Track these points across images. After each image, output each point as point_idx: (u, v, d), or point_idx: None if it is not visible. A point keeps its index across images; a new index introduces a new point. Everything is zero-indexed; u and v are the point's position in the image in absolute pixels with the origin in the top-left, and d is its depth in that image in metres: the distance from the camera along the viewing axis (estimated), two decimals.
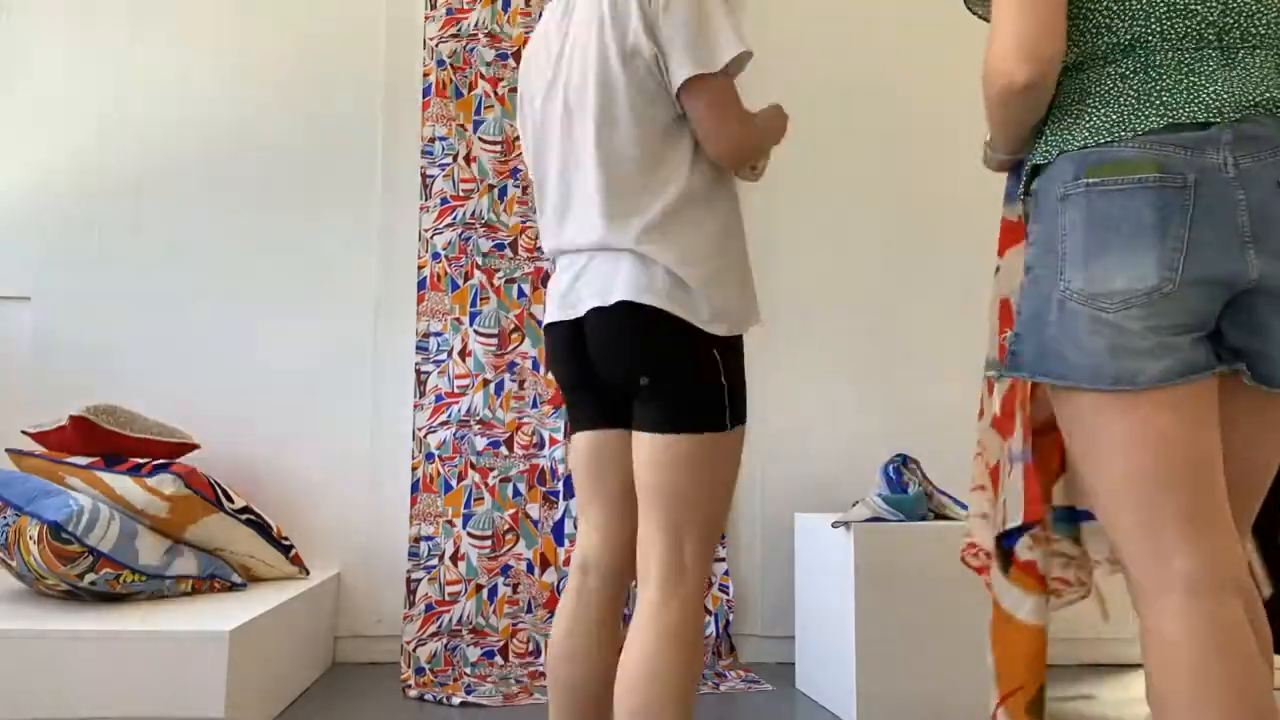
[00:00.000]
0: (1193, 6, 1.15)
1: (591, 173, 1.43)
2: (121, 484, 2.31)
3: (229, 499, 2.46)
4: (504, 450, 2.87)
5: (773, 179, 3.10)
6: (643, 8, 1.39)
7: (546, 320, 1.55)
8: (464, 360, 2.90)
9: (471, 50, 3.01)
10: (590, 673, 1.46)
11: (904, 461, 2.48)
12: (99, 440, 2.46)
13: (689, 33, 1.38)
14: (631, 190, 1.41)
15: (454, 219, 2.94)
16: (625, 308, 1.39)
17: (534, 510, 2.85)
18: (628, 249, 1.40)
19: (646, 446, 1.41)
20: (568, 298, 1.48)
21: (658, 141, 1.42)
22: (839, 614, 2.36)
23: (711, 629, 2.83)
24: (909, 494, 2.41)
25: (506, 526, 2.83)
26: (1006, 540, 1.35)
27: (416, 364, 2.91)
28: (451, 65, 2.99)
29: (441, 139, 2.97)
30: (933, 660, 2.28)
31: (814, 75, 3.13)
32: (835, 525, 2.39)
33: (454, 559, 2.80)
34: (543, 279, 2.95)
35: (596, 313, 1.42)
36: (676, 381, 1.40)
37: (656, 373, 1.40)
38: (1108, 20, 1.18)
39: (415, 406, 2.89)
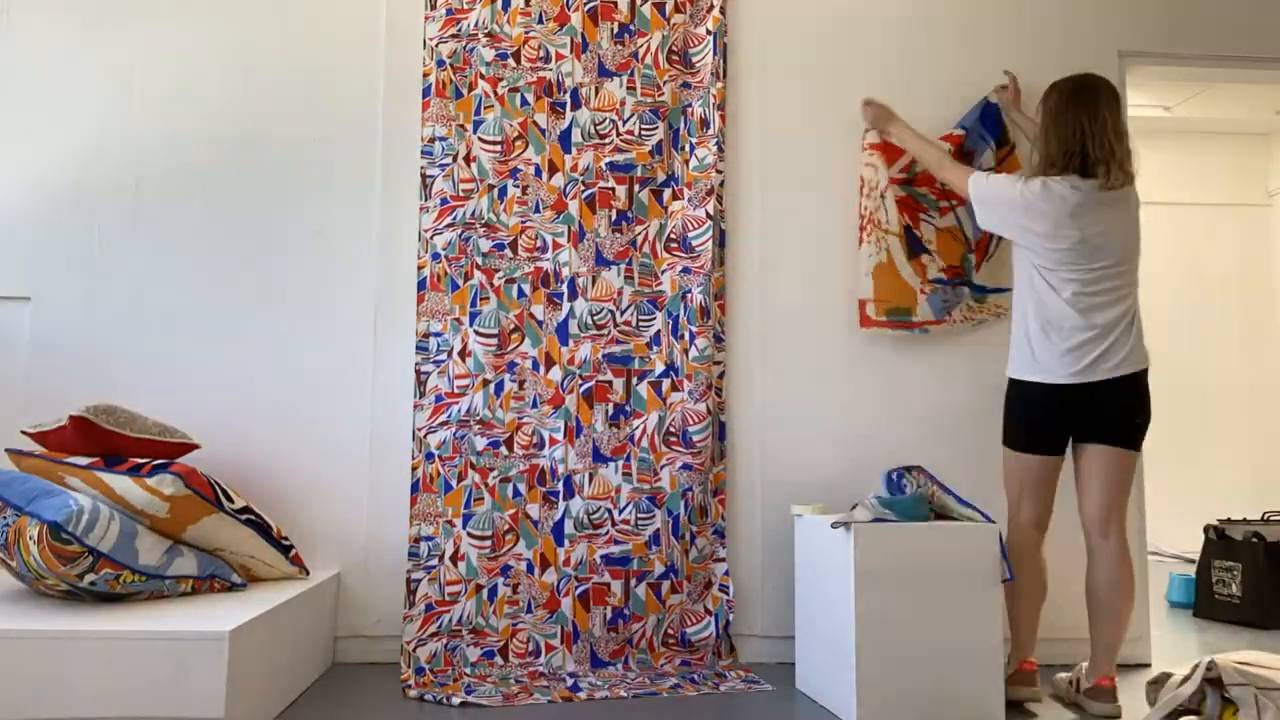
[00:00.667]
0: None
1: None
2: (121, 484, 2.32)
3: (229, 499, 2.46)
4: (504, 450, 2.87)
5: (772, 177, 3.11)
6: None
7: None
8: (464, 360, 2.90)
9: (471, 50, 3.01)
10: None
11: (908, 470, 2.48)
12: (99, 440, 2.46)
13: None
14: None
15: (454, 219, 2.94)
16: None
17: (534, 510, 2.85)
18: None
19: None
20: None
21: None
22: (839, 614, 2.36)
23: (711, 629, 2.83)
24: (906, 495, 2.41)
25: (506, 526, 2.83)
26: None
27: (416, 364, 2.91)
28: (451, 65, 3.00)
29: (441, 139, 2.97)
30: (933, 660, 2.29)
31: (813, 75, 3.13)
32: (835, 526, 2.39)
33: (454, 559, 2.80)
34: (542, 279, 2.95)
35: None
36: None
37: None
38: None
39: (415, 406, 2.89)
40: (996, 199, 2.53)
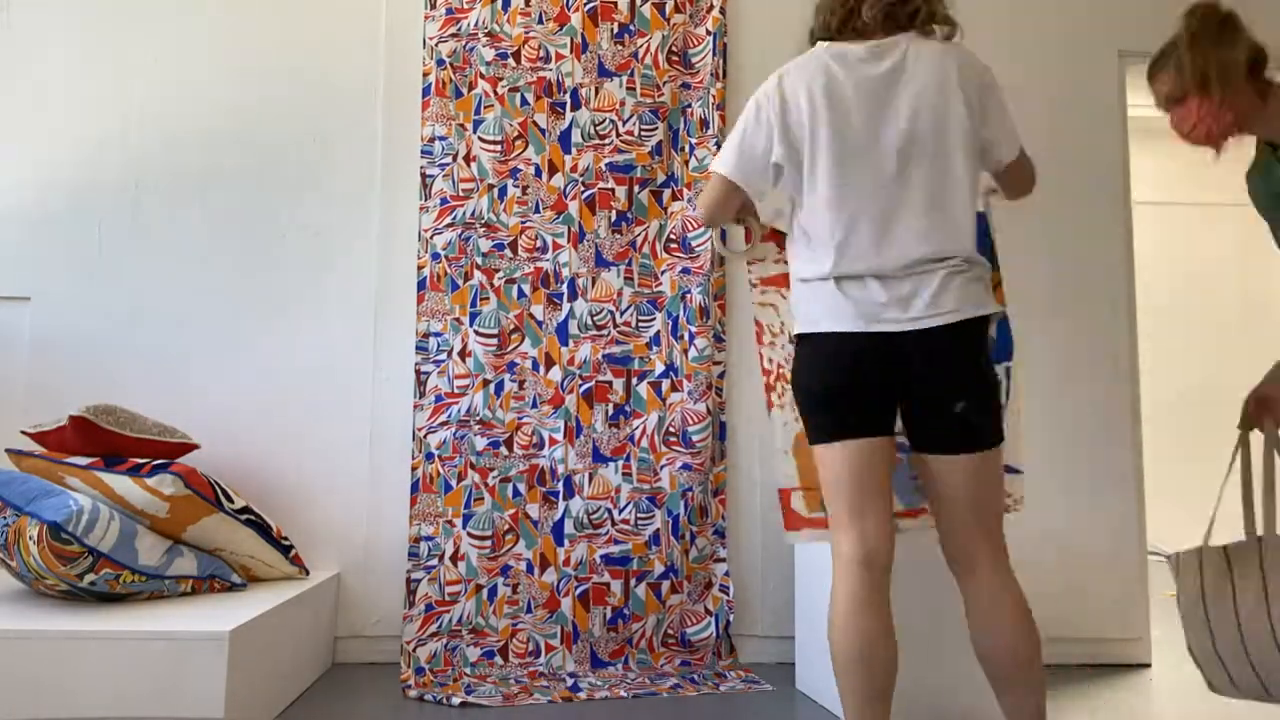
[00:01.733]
0: None
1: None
2: (121, 484, 2.32)
3: (229, 499, 2.46)
4: (504, 450, 2.87)
5: None
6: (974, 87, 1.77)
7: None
8: (464, 360, 2.90)
9: (471, 50, 3.01)
10: (894, 652, 1.70)
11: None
12: (99, 440, 2.46)
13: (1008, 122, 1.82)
14: None
15: (454, 219, 2.94)
16: None
17: (534, 510, 2.85)
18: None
19: None
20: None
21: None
22: None
23: (711, 629, 2.83)
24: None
25: (506, 526, 2.83)
26: None
27: (416, 364, 2.91)
28: (451, 65, 2.99)
29: (441, 139, 2.97)
30: (933, 659, 2.28)
31: None
32: None
33: (454, 559, 2.80)
34: (542, 279, 2.95)
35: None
36: None
37: None
38: None
39: (415, 406, 2.89)
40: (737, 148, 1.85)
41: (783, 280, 2.16)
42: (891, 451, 1.77)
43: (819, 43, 1.85)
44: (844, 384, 1.74)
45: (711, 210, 1.92)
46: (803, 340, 1.80)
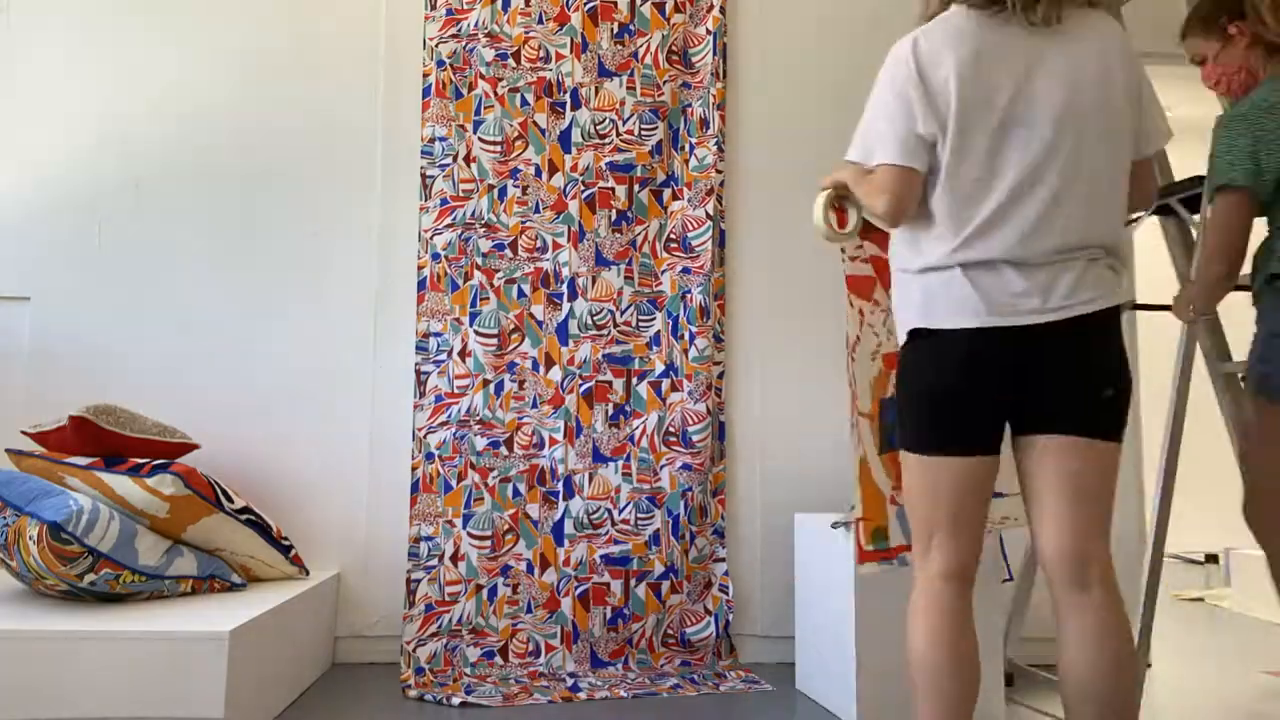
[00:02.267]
0: None
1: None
2: (121, 484, 2.32)
3: (229, 499, 2.46)
4: (504, 450, 2.87)
5: (770, 179, 3.11)
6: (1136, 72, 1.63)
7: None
8: (464, 360, 2.90)
9: (471, 50, 3.01)
10: (979, 667, 1.60)
11: None
12: (99, 440, 2.46)
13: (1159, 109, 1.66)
14: None
15: (454, 219, 2.94)
16: None
17: (534, 510, 2.85)
18: None
19: None
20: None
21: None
22: (839, 614, 2.36)
23: (711, 629, 2.83)
24: None
25: (506, 527, 2.83)
26: None
27: (416, 364, 2.91)
28: (451, 65, 2.99)
29: (441, 139, 2.97)
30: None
31: (813, 75, 3.13)
32: (835, 526, 2.38)
33: (454, 559, 2.80)
34: (542, 279, 2.95)
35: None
36: None
37: None
38: None
39: (415, 406, 2.89)
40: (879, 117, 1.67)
41: (865, 285, 2.06)
42: (995, 469, 1.63)
43: (954, 3, 1.64)
44: (961, 388, 1.58)
45: (900, 204, 1.61)
46: (915, 337, 1.63)
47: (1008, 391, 1.57)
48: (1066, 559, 1.56)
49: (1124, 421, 1.58)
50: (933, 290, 1.60)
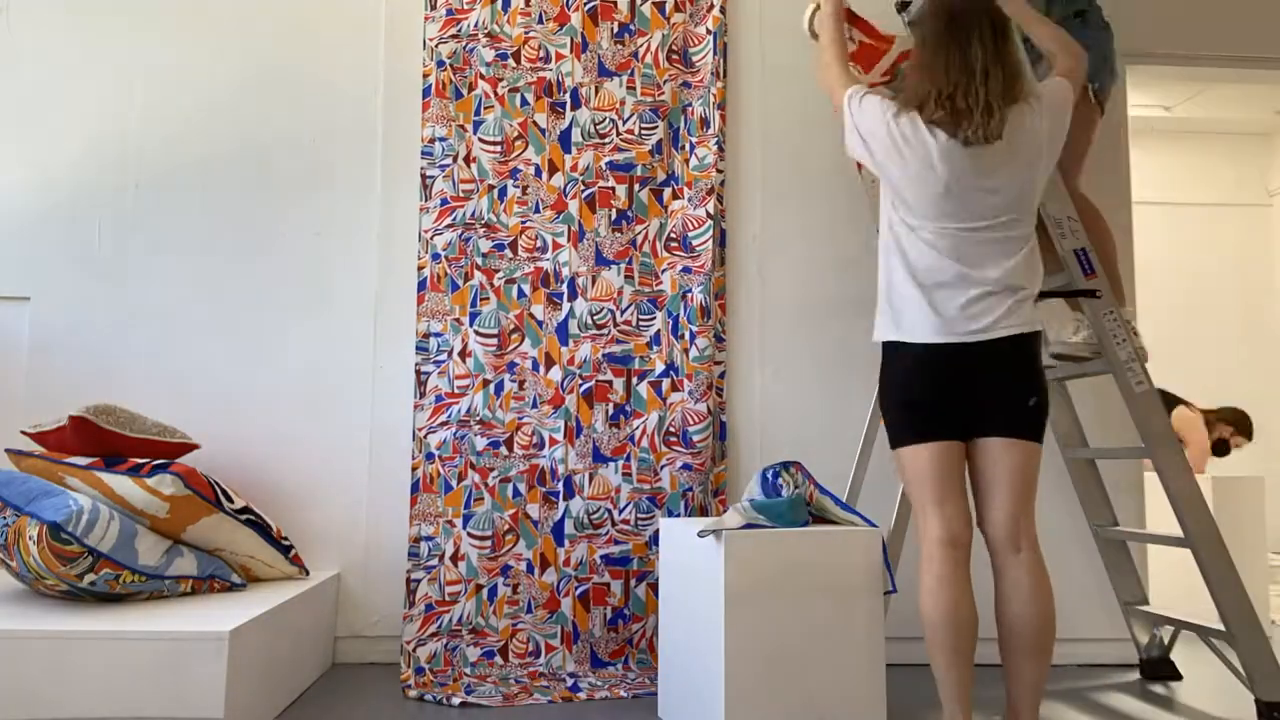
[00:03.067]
0: None
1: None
2: (121, 484, 2.31)
3: (229, 499, 2.46)
4: (504, 450, 2.87)
5: (772, 177, 3.11)
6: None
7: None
8: (464, 360, 2.90)
9: (471, 50, 3.01)
10: (975, 616, 1.97)
11: (785, 467, 2.24)
12: (99, 440, 2.46)
13: None
14: None
15: (454, 219, 2.94)
16: None
17: (534, 510, 2.85)
18: None
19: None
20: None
21: None
22: (707, 632, 2.09)
23: None
24: (783, 498, 2.16)
25: (506, 527, 2.83)
26: None
27: (416, 364, 2.91)
28: (451, 66, 2.99)
29: (441, 139, 2.97)
30: (813, 684, 2.03)
31: (812, 77, 3.13)
32: (702, 534, 2.11)
33: (454, 559, 2.80)
34: (542, 279, 2.95)
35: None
36: None
37: None
38: None
39: (415, 406, 2.89)
40: (866, 126, 2.09)
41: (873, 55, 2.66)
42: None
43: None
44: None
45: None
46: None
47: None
48: (1003, 529, 2.00)
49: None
50: None
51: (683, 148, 3.04)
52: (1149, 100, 5.26)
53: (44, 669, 1.91)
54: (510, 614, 2.78)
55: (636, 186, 3.01)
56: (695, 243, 2.97)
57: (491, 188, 2.97)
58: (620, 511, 2.85)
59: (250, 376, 2.93)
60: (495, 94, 3.00)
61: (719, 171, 3.01)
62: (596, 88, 3.03)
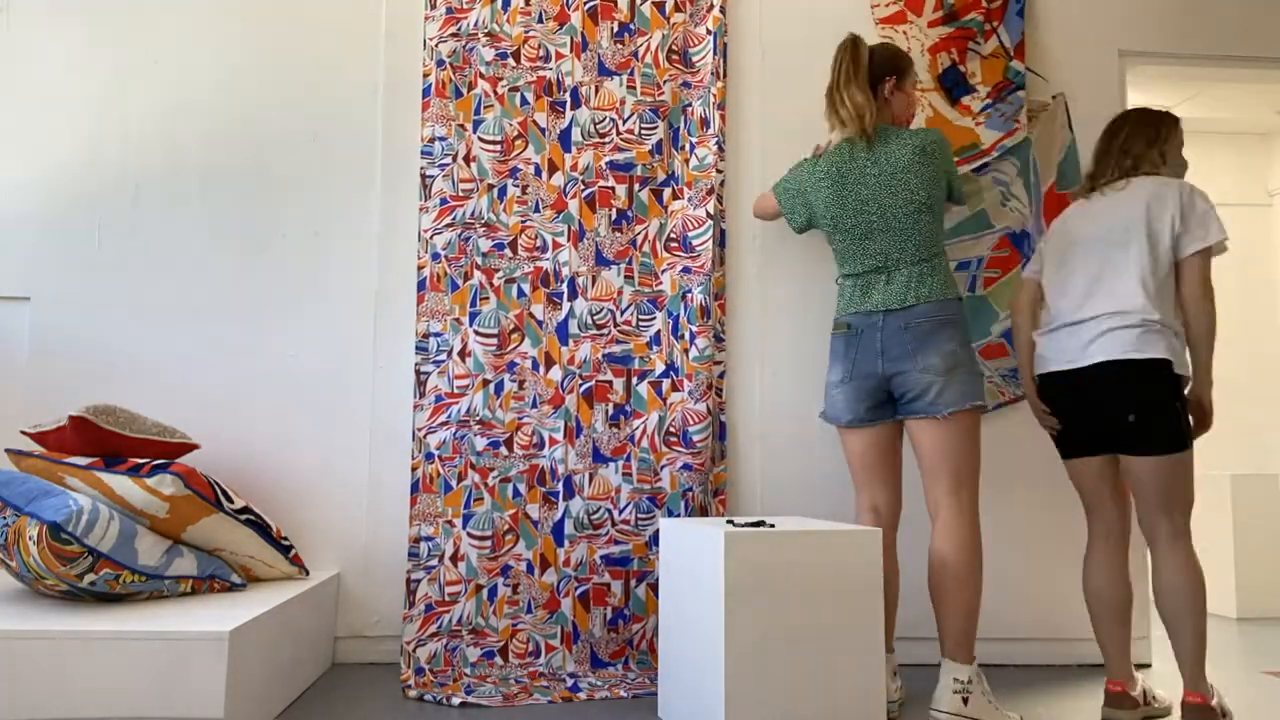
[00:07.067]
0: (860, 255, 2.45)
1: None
2: (121, 484, 2.31)
3: (229, 499, 2.46)
4: (504, 450, 2.87)
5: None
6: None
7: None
8: (464, 360, 2.90)
9: (471, 50, 3.01)
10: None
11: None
12: (98, 440, 2.46)
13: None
14: None
15: (453, 219, 2.94)
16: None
17: (534, 510, 2.85)
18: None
19: None
20: None
21: None
22: (707, 632, 2.09)
23: None
24: None
25: (506, 527, 2.83)
26: None
27: (416, 364, 2.91)
28: (451, 65, 2.99)
29: (441, 139, 2.97)
30: (813, 684, 2.03)
31: (814, 75, 3.13)
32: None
33: (454, 559, 2.80)
34: (542, 278, 2.95)
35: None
36: None
37: None
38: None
39: (415, 406, 2.89)
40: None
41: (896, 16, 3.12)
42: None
43: None
44: None
45: None
46: None
47: None
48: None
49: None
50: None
51: (683, 148, 3.04)
52: (1149, 100, 5.26)
53: (44, 669, 1.91)
54: (510, 614, 2.78)
55: (636, 186, 3.01)
56: (695, 243, 2.97)
57: (491, 187, 2.97)
58: (620, 512, 2.85)
59: (250, 376, 2.93)
60: (495, 93, 3.00)
61: (719, 171, 3.01)
62: (596, 87, 3.03)
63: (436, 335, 2.92)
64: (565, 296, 2.95)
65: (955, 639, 2.27)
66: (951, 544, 2.29)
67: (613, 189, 3.00)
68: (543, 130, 3.00)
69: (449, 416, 2.87)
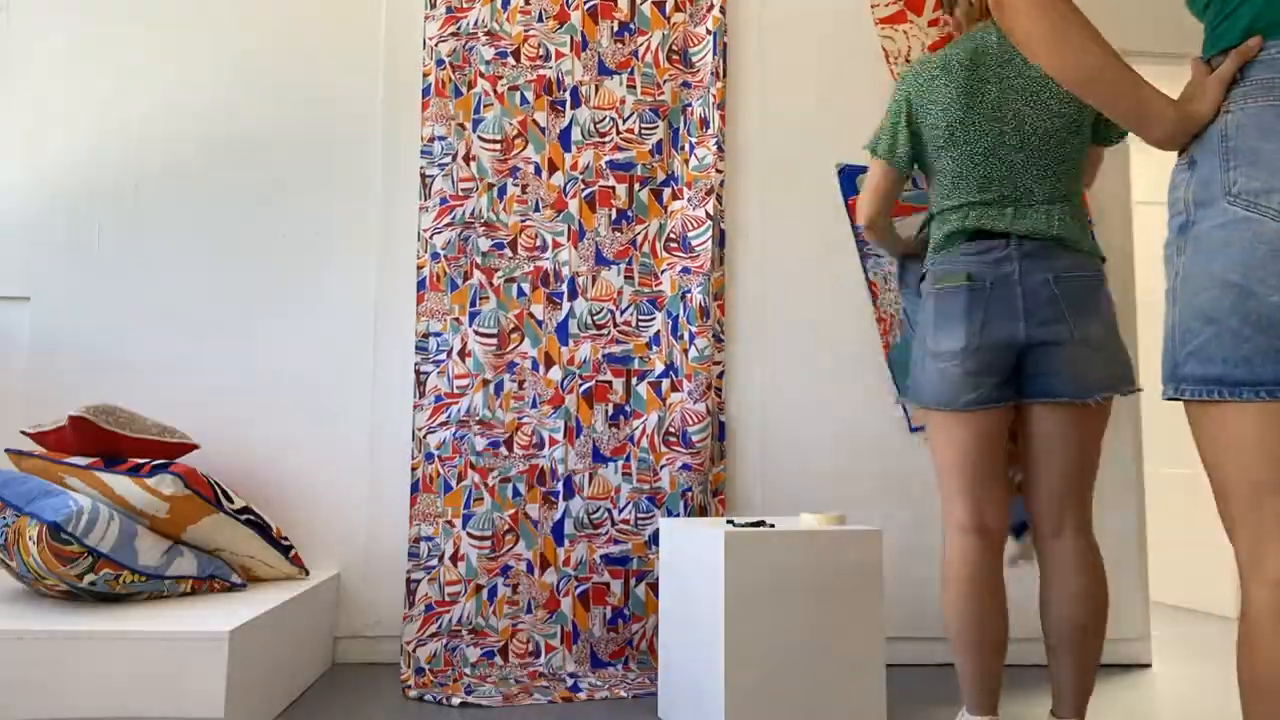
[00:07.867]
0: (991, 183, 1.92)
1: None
2: (121, 484, 2.31)
3: (229, 499, 2.46)
4: (504, 450, 2.87)
5: (772, 177, 3.11)
6: None
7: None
8: (463, 360, 2.90)
9: (471, 49, 3.00)
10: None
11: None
12: (98, 440, 2.46)
13: None
14: None
15: (453, 218, 2.94)
16: None
17: (534, 510, 2.85)
18: None
19: None
20: None
21: None
22: (707, 632, 2.08)
23: None
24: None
25: (506, 527, 2.83)
26: None
27: (416, 364, 2.91)
28: (451, 64, 2.99)
29: (441, 138, 2.97)
30: (813, 684, 2.02)
31: (813, 75, 3.13)
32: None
33: (454, 559, 2.80)
34: (542, 278, 2.95)
35: None
36: None
37: None
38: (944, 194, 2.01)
39: (415, 406, 2.89)
40: None
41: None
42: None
43: None
44: None
45: None
46: None
47: None
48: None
49: None
50: None
51: (682, 148, 3.04)
52: None
53: (44, 669, 1.91)
54: (510, 614, 2.78)
55: (636, 186, 3.01)
56: (695, 243, 2.97)
57: (491, 186, 2.97)
58: (620, 511, 2.85)
59: (250, 376, 2.93)
60: (495, 92, 2.99)
61: (719, 171, 3.01)
62: (596, 86, 3.03)
63: (436, 335, 2.91)
64: (565, 296, 2.95)
65: (1085, 695, 1.88)
66: (1094, 577, 1.86)
67: (613, 189, 2.99)
68: (543, 129, 3.00)
69: (449, 416, 2.87)
